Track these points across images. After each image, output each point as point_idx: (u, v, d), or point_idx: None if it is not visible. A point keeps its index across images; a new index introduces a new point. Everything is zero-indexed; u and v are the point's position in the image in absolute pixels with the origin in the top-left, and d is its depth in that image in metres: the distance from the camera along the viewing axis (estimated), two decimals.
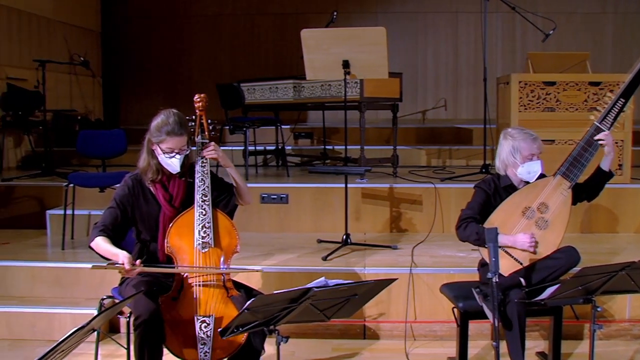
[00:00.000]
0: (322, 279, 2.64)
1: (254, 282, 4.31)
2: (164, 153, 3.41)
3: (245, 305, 2.46)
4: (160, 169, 3.48)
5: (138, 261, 3.18)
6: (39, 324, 4.74)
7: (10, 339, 4.74)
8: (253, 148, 7.54)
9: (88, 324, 2.23)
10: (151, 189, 3.50)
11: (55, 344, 1.92)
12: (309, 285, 2.55)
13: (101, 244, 3.34)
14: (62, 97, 9.11)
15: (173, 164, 3.42)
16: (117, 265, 3.12)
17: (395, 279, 3.06)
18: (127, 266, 3.10)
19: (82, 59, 8.32)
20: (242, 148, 7.11)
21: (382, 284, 2.90)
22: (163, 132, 3.39)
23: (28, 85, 7.98)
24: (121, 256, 3.15)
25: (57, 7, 9.25)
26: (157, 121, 3.45)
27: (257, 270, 3.57)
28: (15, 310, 4.78)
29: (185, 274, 3.32)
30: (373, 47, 5.06)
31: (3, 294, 5.04)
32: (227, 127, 7.09)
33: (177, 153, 3.41)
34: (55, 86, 8.54)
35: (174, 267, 3.33)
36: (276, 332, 2.74)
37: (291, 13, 10.61)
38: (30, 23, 8.63)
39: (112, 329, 4.75)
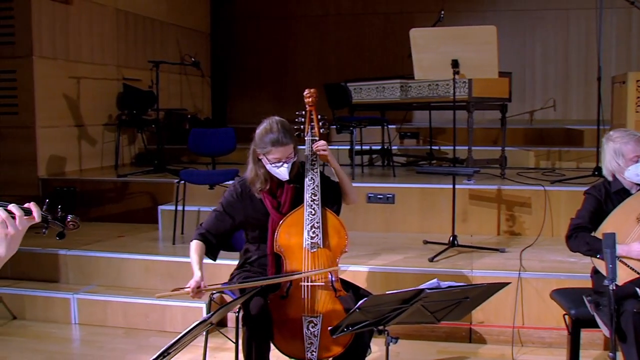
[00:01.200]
0: (435, 280, 2.60)
1: (359, 281, 4.32)
2: (271, 163, 3.38)
3: (357, 305, 2.46)
4: (268, 177, 3.45)
5: (202, 284, 3.19)
6: (152, 314, 4.93)
7: (126, 327, 4.95)
8: (359, 147, 7.55)
9: (209, 318, 2.29)
10: (260, 197, 3.49)
11: (179, 336, 1.98)
12: (421, 287, 2.52)
13: (192, 250, 3.44)
14: (173, 96, 9.42)
15: (282, 172, 3.39)
16: (182, 290, 3.16)
17: (507, 283, 2.98)
18: (192, 293, 3.15)
19: (193, 59, 8.56)
20: (349, 147, 7.14)
21: (495, 287, 2.83)
22: (268, 142, 3.34)
23: (142, 85, 8.30)
24: (193, 277, 3.22)
25: (170, 10, 9.58)
26: (260, 130, 3.41)
27: (334, 269, 3.49)
28: (130, 301, 5.01)
29: (282, 276, 3.33)
30: (483, 46, 4.96)
31: (120, 284, 5.29)
32: (334, 127, 7.13)
33: (284, 162, 3.37)
34: (167, 86, 8.84)
35: (244, 283, 3.33)
36: (386, 332, 2.73)
37: (396, 12, 10.56)
38: (144, 26, 8.98)
39: (220, 322, 4.85)
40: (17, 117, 6.93)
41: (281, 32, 11.07)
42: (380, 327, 2.72)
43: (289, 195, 3.47)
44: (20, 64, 6.93)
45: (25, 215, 2.00)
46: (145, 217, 6.58)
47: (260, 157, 3.43)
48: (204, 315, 4.78)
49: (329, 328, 2.63)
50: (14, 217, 1.97)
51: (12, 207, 1.99)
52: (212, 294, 3.85)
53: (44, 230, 2.07)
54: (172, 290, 3.18)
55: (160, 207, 6.35)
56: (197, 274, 3.25)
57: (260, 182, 3.45)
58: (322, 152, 3.44)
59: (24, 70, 6.92)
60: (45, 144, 7.05)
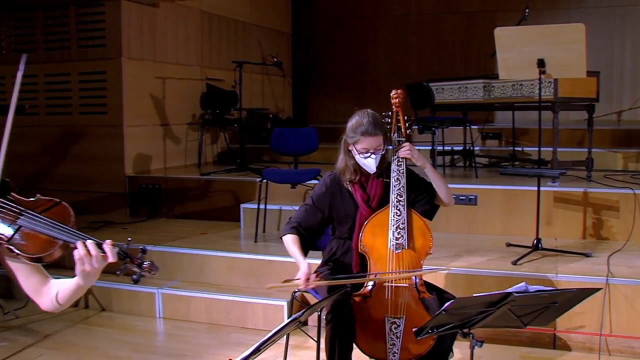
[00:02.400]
0: (523, 284, 2.55)
1: (441, 283, 4.28)
2: (359, 153, 3.44)
3: (444, 307, 2.44)
4: (357, 169, 3.50)
5: (313, 276, 3.21)
6: (234, 311, 5.01)
7: (208, 323, 5.05)
8: (441, 148, 7.48)
9: (299, 316, 2.32)
10: (349, 188, 3.53)
11: (271, 334, 2.01)
12: (509, 290, 2.48)
13: (289, 243, 3.45)
14: (254, 96, 9.55)
15: (369, 164, 3.42)
16: (293, 281, 3.19)
17: (598, 289, 2.91)
18: (302, 285, 3.18)
19: (275, 59, 8.66)
20: (430, 148, 7.08)
21: (585, 292, 2.75)
22: (358, 132, 3.40)
23: (224, 85, 8.45)
24: (301, 269, 3.23)
25: (252, 11, 9.72)
26: (352, 122, 3.47)
27: (423, 272, 3.46)
28: (213, 297, 5.11)
29: (378, 275, 3.34)
30: (571, 45, 4.83)
31: (203, 280, 5.40)
32: (416, 127, 7.09)
33: (372, 153, 3.40)
34: (249, 86, 8.97)
35: (345, 279, 3.32)
36: (471, 335, 2.70)
37: (478, 11, 10.42)
38: (228, 27, 9.14)
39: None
40: (106, 116, 7.17)
41: (362, 32, 11.08)
42: (465, 330, 2.69)
43: (378, 189, 3.50)
44: (109, 65, 7.17)
45: (101, 254, 2.06)
46: (227, 215, 6.69)
47: (350, 148, 3.48)
48: (285, 313, 4.84)
49: (414, 329, 2.62)
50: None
51: (91, 246, 2.05)
52: (295, 292, 3.90)
53: (118, 272, 2.09)
54: (283, 282, 3.23)
55: (243, 206, 6.45)
56: (304, 265, 3.27)
57: (349, 173, 3.50)
58: (406, 155, 3.44)
59: (113, 71, 7.16)
60: (132, 143, 7.26)
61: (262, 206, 5.95)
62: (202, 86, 8.48)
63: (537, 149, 5.41)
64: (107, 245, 2.05)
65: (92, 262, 2.03)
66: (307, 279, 3.21)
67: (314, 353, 3.62)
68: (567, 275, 4.51)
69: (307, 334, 4.17)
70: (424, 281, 3.37)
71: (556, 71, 5.02)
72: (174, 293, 5.23)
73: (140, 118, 7.40)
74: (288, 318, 4.68)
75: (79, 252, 2.02)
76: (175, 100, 7.92)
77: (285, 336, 3.91)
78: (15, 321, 5.11)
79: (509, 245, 5.33)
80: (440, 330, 2.62)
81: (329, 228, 3.70)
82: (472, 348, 2.72)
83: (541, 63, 4.91)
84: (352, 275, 3.39)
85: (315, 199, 3.58)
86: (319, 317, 3.55)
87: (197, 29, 8.49)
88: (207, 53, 8.67)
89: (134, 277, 2.09)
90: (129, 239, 2.15)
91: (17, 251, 2.04)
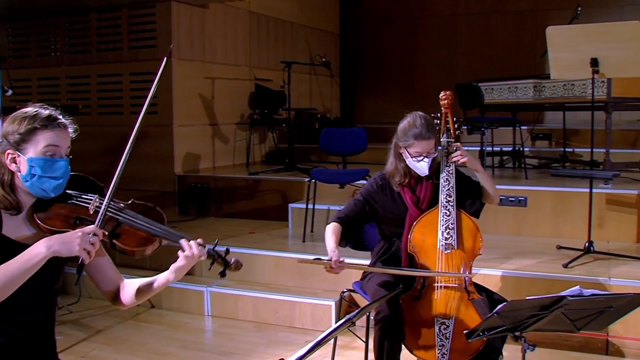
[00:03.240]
0: (577, 287, 2.50)
1: (490, 285, 4.23)
2: (412, 157, 3.41)
3: (496, 309, 2.41)
4: (407, 172, 3.48)
5: (343, 259, 3.21)
6: (281, 310, 5.04)
7: (256, 322, 5.09)
8: (490, 149, 7.40)
9: (353, 316, 2.34)
10: (399, 190, 3.52)
11: (325, 334, 2.03)
12: (563, 293, 2.44)
13: (329, 231, 3.45)
14: (302, 96, 9.58)
15: (421, 167, 3.40)
16: (323, 261, 3.19)
17: None
18: (333, 264, 3.16)
19: (323, 59, 8.67)
20: (479, 148, 7.01)
21: None
22: (410, 136, 3.37)
23: (272, 85, 8.50)
24: (330, 252, 3.24)
25: (300, 12, 9.76)
26: (403, 125, 3.45)
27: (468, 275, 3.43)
28: (260, 296, 5.14)
29: (418, 271, 3.31)
30: (627, 44, 4.72)
31: (251, 279, 5.43)
32: (465, 128, 7.03)
33: (425, 157, 3.38)
34: (297, 86, 9.00)
35: (385, 268, 3.34)
36: (522, 339, 2.66)
37: (528, 10, 10.28)
38: (276, 27, 9.19)
39: None
40: (157, 116, 7.27)
41: (409, 31, 11.03)
42: (517, 333, 2.65)
43: (428, 191, 3.48)
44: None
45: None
46: (275, 214, 6.72)
47: (401, 151, 3.46)
48: (332, 312, 4.85)
49: (465, 332, 2.60)
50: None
51: (194, 245, 2.24)
52: (343, 292, 3.90)
53: (210, 267, 2.31)
54: (314, 259, 3.23)
55: (291, 205, 6.47)
56: (333, 247, 3.29)
57: (399, 176, 3.49)
58: (462, 160, 3.41)
59: (163, 71, 7.22)
60: (181, 142, 7.35)
61: (310, 206, 5.97)
62: (250, 86, 8.54)
63: (589, 150, 5.31)
64: (200, 243, 2.25)
65: (191, 258, 2.23)
66: (339, 262, 3.18)
67: (362, 353, 3.62)
68: (621, 279, 4.42)
69: (355, 334, 4.15)
70: (474, 282, 3.34)
71: (610, 71, 4.92)
72: (223, 291, 5.28)
73: (190, 118, 7.48)
74: (335, 318, 4.71)
75: (183, 248, 2.24)
76: (224, 100, 7.99)
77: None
78: (69, 316, 5.22)
79: (559, 247, 5.24)
80: (491, 332, 2.59)
81: (377, 229, 3.69)
82: (523, 352, 2.67)
83: (594, 62, 4.82)
84: (390, 267, 3.38)
85: (364, 193, 3.58)
86: (368, 317, 3.55)
87: (246, 29, 8.55)
88: (256, 53, 8.73)
89: (221, 272, 2.30)
90: (216, 239, 2.35)
91: (117, 244, 2.22)
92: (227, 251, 2.32)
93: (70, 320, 5.14)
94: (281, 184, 6.88)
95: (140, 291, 2.40)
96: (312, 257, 5.13)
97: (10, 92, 5.30)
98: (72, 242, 2.05)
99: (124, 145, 2.31)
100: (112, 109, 7.60)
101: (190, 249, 2.22)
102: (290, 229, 6.36)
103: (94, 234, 2.09)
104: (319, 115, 9.18)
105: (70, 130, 2.28)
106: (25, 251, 2.06)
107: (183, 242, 2.25)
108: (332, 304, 4.85)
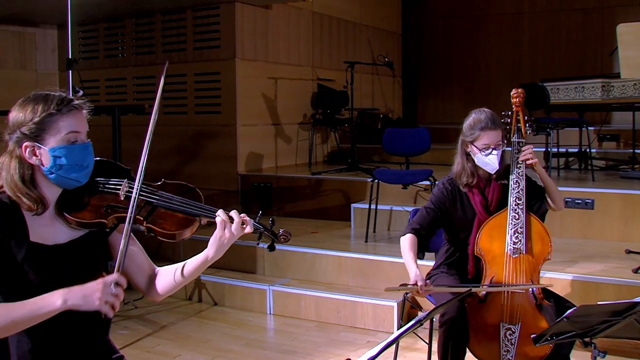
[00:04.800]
0: None
1: (556, 289, 4.14)
2: (480, 151, 3.35)
3: (566, 314, 2.35)
4: (474, 172, 3.43)
5: (428, 281, 3.14)
6: (343, 310, 5.04)
7: (318, 321, 5.10)
8: (555, 150, 7.24)
9: (424, 318, 2.30)
10: (468, 193, 3.47)
11: (395, 336, 2.01)
12: (637, 299, 2.36)
13: (406, 245, 3.36)
14: (365, 96, 9.56)
15: (491, 161, 3.33)
16: (409, 286, 3.13)
17: None
18: (420, 289, 3.08)
19: (386, 59, 8.63)
20: (544, 149, 6.87)
21: None
22: (477, 128, 3.34)
23: (334, 85, 8.51)
24: (413, 275, 3.15)
25: (363, 12, 9.74)
26: (469, 121, 3.42)
27: (546, 286, 3.34)
28: (322, 295, 5.15)
29: (493, 279, 3.25)
30: None
31: (312, 279, 5.46)
32: (531, 128, 6.90)
33: (493, 149, 3.32)
34: (359, 86, 8.96)
35: (464, 287, 3.25)
36: (592, 345, 2.59)
37: (595, 7, 10.01)
38: (338, 27, 9.19)
39: (409, 322, 4.83)
40: (220, 116, 7.36)
41: (473, 31, 10.88)
42: (587, 340, 2.58)
43: (496, 193, 3.43)
44: (224, 66, 7.36)
45: (241, 225, 2.11)
46: (337, 214, 6.72)
47: (468, 149, 3.42)
48: (395, 313, 4.82)
49: (533, 336, 2.54)
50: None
51: (233, 213, 2.11)
52: (406, 293, 3.87)
53: (257, 242, 2.17)
54: (400, 285, 3.20)
55: (353, 205, 6.47)
56: (416, 271, 3.17)
57: (466, 176, 3.43)
58: (531, 161, 3.34)
59: (227, 72, 7.34)
60: (244, 142, 7.42)
61: (372, 206, 5.96)
62: (313, 86, 8.56)
63: None
64: (246, 216, 2.12)
65: (233, 228, 2.08)
66: (425, 284, 3.11)
67: (424, 356, 3.60)
68: None
69: (418, 336, 4.12)
70: (542, 287, 3.27)
71: None
72: (285, 290, 5.32)
73: (253, 117, 7.55)
74: (398, 319, 4.69)
75: (220, 218, 2.08)
76: (286, 100, 8.04)
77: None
78: (134, 311, 5.32)
79: (628, 252, 5.09)
80: (560, 338, 2.53)
81: (442, 230, 3.64)
82: (593, 359, 2.60)
83: None
84: (468, 285, 3.29)
85: (435, 202, 3.51)
86: (431, 319, 3.51)
87: (309, 29, 8.58)
88: (318, 53, 8.75)
89: (270, 244, 2.17)
90: (259, 212, 2.21)
91: (156, 229, 2.08)
92: (273, 222, 2.17)
93: (136, 316, 5.25)
94: (343, 184, 6.88)
95: (178, 276, 2.21)
96: (376, 257, 5.22)
97: (80, 92, 5.44)
98: (92, 295, 1.88)
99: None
100: (177, 109, 7.72)
101: (223, 215, 2.08)
102: (353, 229, 6.36)
103: (117, 283, 1.92)
104: (381, 116, 9.15)
105: (85, 111, 2.10)
106: (39, 298, 1.88)
107: (220, 212, 2.09)
108: (395, 304, 4.83)
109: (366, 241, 5.76)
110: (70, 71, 5.68)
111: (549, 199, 3.46)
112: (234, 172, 7.34)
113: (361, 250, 5.54)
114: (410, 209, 5.50)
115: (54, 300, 1.86)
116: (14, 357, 2.06)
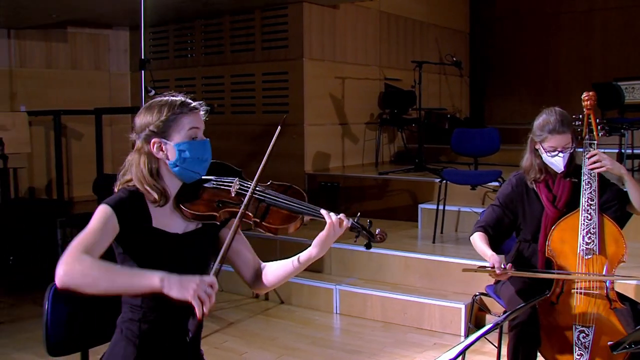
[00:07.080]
0: None
1: (629, 294, 4.02)
2: (546, 152, 3.32)
3: None
4: (543, 168, 3.39)
5: (509, 265, 3.10)
6: (410, 311, 5.01)
7: (384, 322, 5.09)
8: (630, 151, 7.04)
9: (502, 320, 2.27)
10: (535, 189, 3.43)
11: (473, 339, 1.99)
12: None
13: (477, 240, 3.36)
14: (432, 96, 9.49)
15: (556, 162, 3.30)
16: (487, 268, 3.09)
17: None
18: (497, 270, 3.04)
19: (454, 59, 8.54)
20: (617, 151, 6.69)
21: None
22: (545, 130, 3.30)
23: (402, 85, 8.47)
24: (491, 259, 3.10)
25: (430, 11, 9.68)
26: (539, 120, 3.38)
27: (612, 277, 3.23)
28: (389, 296, 5.14)
29: (565, 281, 3.18)
30: None
31: (379, 279, 5.45)
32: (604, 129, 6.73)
33: (560, 151, 3.28)
34: (426, 86, 8.90)
35: (545, 273, 3.20)
36: None
37: None
38: (405, 27, 9.15)
39: (477, 324, 4.77)
40: (288, 115, 7.41)
41: (542, 29, 10.66)
42: None
43: (565, 190, 3.36)
44: (292, 65, 7.41)
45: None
46: (404, 214, 6.69)
47: (536, 147, 3.39)
48: (462, 315, 4.76)
49: (610, 343, 2.47)
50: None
51: (324, 212, 2.27)
52: (475, 295, 3.83)
53: (355, 240, 2.30)
54: (478, 267, 3.17)
55: (421, 206, 6.42)
56: (493, 254, 3.14)
57: (534, 172, 3.40)
58: (598, 169, 3.24)
59: (295, 71, 7.40)
60: (311, 141, 7.46)
61: (440, 207, 5.91)
62: (380, 86, 8.55)
63: None
64: (343, 215, 2.27)
65: (337, 228, 2.25)
66: (503, 268, 3.05)
67: (491, 358, 3.53)
68: None
69: (486, 339, 4.05)
70: (616, 291, 3.18)
71: None
72: (351, 290, 5.32)
73: (320, 117, 7.58)
74: (466, 321, 4.64)
75: (325, 218, 2.26)
76: (353, 99, 8.05)
77: (462, 340, 3.85)
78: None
79: None
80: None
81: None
82: None
83: None
84: (551, 272, 3.23)
85: (501, 199, 3.49)
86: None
87: (376, 29, 8.57)
88: (385, 53, 8.73)
89: (366, 243, 2.29)
90: (358, 214, 2.33)
91: (264, 224, 2.26)
92: (370, 223, 2.30)
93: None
94: (411, 184, 6.84)
95: (283, 271, 2.41)
96: (443, 259, 5.17)
97: (152, 92, 5.55)
98: (187, 286, 1.98)
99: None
100: (245, 108, 7.82)
101: (328, 218, 2.24)
102: (420, 229, 6.32)
103: (211, 286, 2.03)
104: (448, 116, 9.06)
105: (202, 112, 2.35)
106: (142, 271, 2.05)
107: (324, 212, 2.27)
108: (462, 306, 4.78)
109: (433, 242, 5.73)
110: (143, 71, 5.80)
111: (632, 203, 3.32)
112: (301, 172, 7.38)
113: (428, 251, 5.51)
114: (478, 210, 5.45)
115: (153, 280, 2.00)
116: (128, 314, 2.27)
